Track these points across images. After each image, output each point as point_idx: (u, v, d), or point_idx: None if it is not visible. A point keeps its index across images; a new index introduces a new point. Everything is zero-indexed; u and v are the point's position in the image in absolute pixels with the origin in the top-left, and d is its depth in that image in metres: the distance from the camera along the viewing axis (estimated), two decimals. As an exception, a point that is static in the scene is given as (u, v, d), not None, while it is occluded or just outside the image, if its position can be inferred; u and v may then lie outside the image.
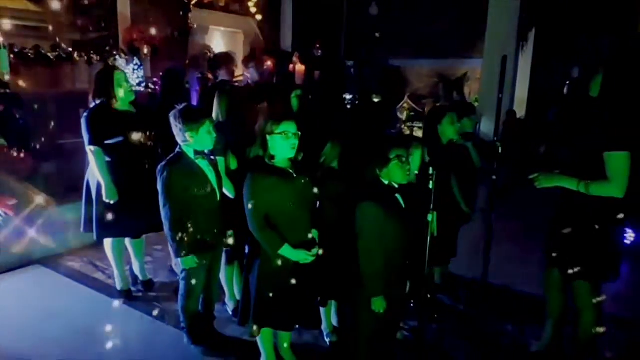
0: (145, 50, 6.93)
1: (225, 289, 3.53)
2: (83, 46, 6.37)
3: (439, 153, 3.35)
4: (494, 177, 3.25)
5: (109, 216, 3.45)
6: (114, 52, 6.58)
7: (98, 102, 3.44)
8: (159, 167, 2.70)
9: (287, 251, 2.50)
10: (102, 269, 4.23)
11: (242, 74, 6.55)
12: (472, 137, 3.90)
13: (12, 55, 5.32)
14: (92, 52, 6.33)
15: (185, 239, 2.71)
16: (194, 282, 2.86)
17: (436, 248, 2.83)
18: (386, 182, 2.55)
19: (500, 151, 3.34)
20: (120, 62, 6.47)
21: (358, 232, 2.50)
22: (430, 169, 2.66)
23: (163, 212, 2.69)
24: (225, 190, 3.01)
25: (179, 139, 2.73)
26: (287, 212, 2.51)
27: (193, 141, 2.69)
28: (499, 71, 3.23)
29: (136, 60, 6.70)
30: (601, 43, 7.11)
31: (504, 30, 8.30)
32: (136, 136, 3.47)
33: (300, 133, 2.53)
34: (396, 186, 2.56)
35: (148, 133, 3.56)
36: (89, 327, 3.28)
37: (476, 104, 8.30)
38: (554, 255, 2.84)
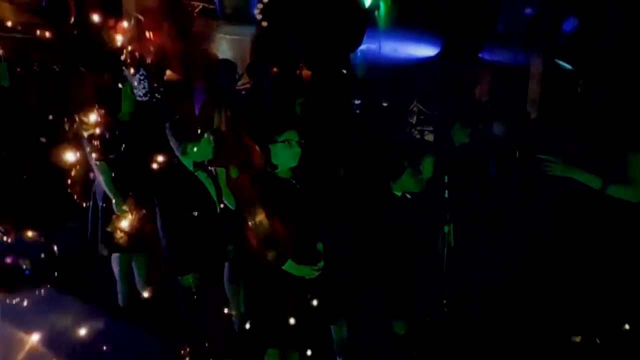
0: (150, 61, 6.89)
1: (232, 305, 3.40)
2: (88, 58, 6.35)
3: (452, 157, 3.21)
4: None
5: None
6: (121, 63, 6.55)
7: (102, 114, 3.40)
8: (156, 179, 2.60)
9: (290, 266, 2.37)
10: (105, 284, 4.13)
11: (248, 81, 6.46)
12: (487, 140, 3.77)
13: (18, 69, 5.31)
14: (97, 63, 6.29)
15: (184, 254, 2.60)
16: (193, 298, 2.75)
17: (452, 259, 2.71)
18: (399, 194, 2.42)
19: (516, 154, 3.22)
20: (127, 73, 6.44)
21: (369, 249, 2.37)
22: (445, 177, 2.54)
23: (160, 226, 2.57)
24: (226, 202, 2.90)
25: (176, 151, 2.63)
26: (290, 224, 2.38)
27: (190, 152, 2.58)
28: (510, 71, 3.11)
29: (142, 71, 6.66)
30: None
31: (514, 30, 8.17)
32: (140, 148, 3.40)
33: (303, 141, 2.41)
34: (409, 197, 2.44)
35: (152, 144, 3.50)
36: (88, 344, 3.19)
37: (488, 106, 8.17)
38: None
